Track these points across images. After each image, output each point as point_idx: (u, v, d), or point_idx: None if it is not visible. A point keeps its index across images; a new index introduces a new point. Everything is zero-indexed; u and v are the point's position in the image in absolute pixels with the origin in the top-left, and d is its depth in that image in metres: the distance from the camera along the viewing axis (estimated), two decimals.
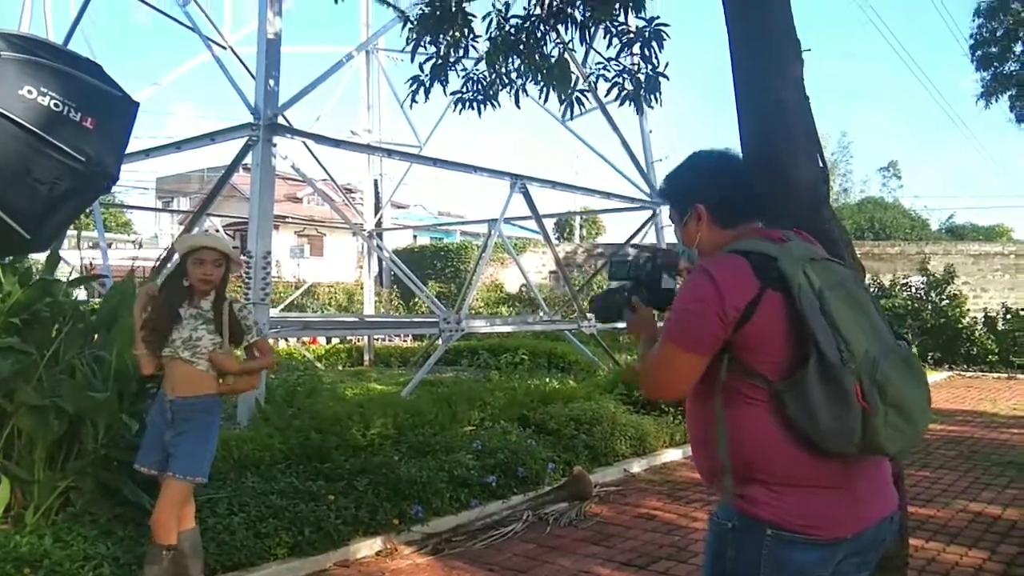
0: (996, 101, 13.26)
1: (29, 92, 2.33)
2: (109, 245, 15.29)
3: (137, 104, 2.73)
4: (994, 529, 5.11)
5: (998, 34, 12.91)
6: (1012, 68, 13.01)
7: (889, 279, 18.26)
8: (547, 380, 8.42)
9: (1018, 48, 12.99)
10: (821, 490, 1.72)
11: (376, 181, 16.40)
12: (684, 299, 1.82)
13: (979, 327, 16.74)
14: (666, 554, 4.57)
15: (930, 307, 16.99)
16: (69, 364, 4.23)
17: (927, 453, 7.68)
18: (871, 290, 18.19)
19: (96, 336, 4.57)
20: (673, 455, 7.23)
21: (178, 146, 8.49)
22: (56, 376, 4.11)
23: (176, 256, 3.56)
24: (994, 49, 12.92)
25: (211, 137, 7.93)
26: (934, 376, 15.30)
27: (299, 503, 4.44)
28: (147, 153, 8.69)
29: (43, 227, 2.46)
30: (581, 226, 38.21)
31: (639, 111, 6.62)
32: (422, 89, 5.56)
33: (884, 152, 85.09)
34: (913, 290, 17.50)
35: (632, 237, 14.07)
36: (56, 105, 2.38)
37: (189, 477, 3.30)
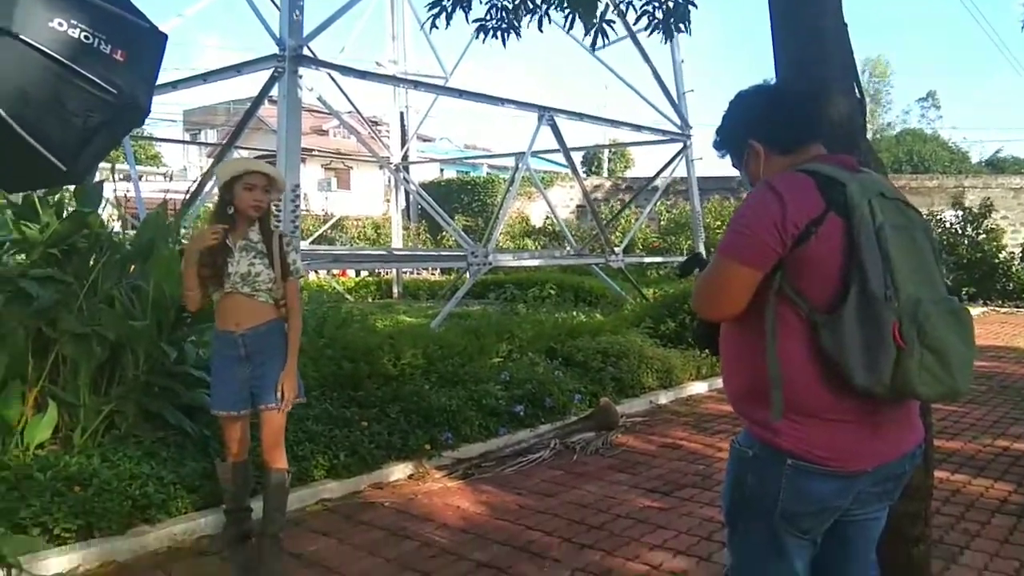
0: None
1: (60, 24, 2.34)
2: (140, 178, 15.43)
3: (165, 36, 2.71)
4: (1021, 463, 5.11)
5: None
6: None
7: (926, 213, 17.91)
8: (574, 314, 8.47)
9: None
10: (844, 424, 1.73)
11: (402, 113, 16.28)
12: (742, 212, 1.77)
13: (1017, 262, 16.41)
14: (691, 482, 4.66)
15: (966, 242, 16.67)
16: (108, 294, 4.35)
17: None
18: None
19: (132, 267, 4.67)
20: (699, 388, 7.30)
21: (204, 78, 8.48)
22: (96, 305, 4.23)
23: (213, 185, 3.56)
24: None
25: (237, 69, 7.91)
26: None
27: (334, 428, 4.58)
28: (174, 85, 8.69)
29: (78, 159, 2.49)
30: (609, 159, 37.73)
31: (669, 37, 6.43)
32: (444, 15, 5.44)
33: (926, 82, 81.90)
34: (948, 224, 17.15)
35: (663, 170, 13.89)
36: (87, 37, 2.38)
37: (298, 399, 3.36)
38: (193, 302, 3.32)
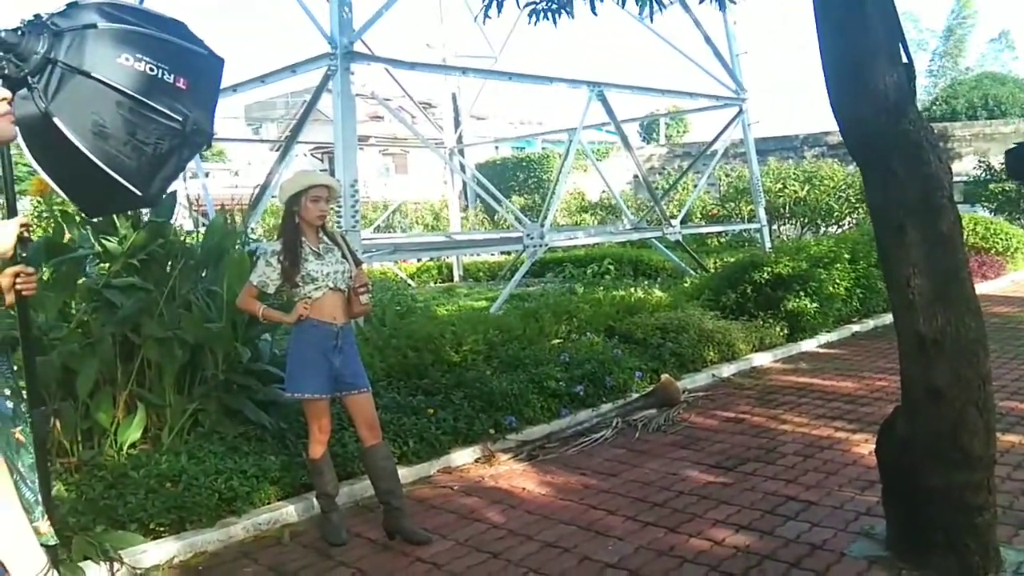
0: None
1: (126, 60, 2.52)
2: (207, 175, 15.98)
3: (222, 60, 2.88)
4: None
5: None
6: None
7: (1000, 161, 17.13)
8: (632, 290, 8.49)
9: None
10: None
11: (454, 95, 16.40)
12: None
13: None
14: (753, 456, 4.69)
15: None
16: (185, 299, 4.61)
17: None
18: (978, 176, 16.69)
19: (205, 271, 4.93)
20: (762, 359, 7.26)
21: (262, 80, 8.76)
22: (175, 310, 4.50)
23: (278, 194, 3.81)
24: None
25: (292, 69, 8.16)
26: None
27: (402, 417, 4.77)
28: (234, 89, 9.00)
29: (151, 184, 2.68)
30: (667, 125, 37.13)
31: (722, 7, 6.35)
32: (495, 3, 5.50)
33: (1004, 17, 76.76)
34: None
35: (718, 136, 13.67)
36: (151, 69, 2.56)
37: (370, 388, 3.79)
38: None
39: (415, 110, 17.56)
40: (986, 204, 17.08)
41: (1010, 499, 3.77)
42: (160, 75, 2.57)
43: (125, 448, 4.18)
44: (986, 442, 3.08)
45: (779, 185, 16.77)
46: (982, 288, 10.93)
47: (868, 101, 3.20)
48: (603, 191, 22.02)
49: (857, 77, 3.26)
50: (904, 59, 3.31)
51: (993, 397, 3.13)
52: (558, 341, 6.48)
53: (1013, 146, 1.66)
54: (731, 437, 5.10)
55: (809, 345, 7.87)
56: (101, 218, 4.42)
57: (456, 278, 15.58)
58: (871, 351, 7.62)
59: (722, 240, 16.66)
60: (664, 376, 5.95)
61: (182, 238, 4.99)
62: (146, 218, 4.70)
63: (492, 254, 17.29)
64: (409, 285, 13.23)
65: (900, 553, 3.25)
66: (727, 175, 19.70)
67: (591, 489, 4.29)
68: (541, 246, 9.54)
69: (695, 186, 15.59)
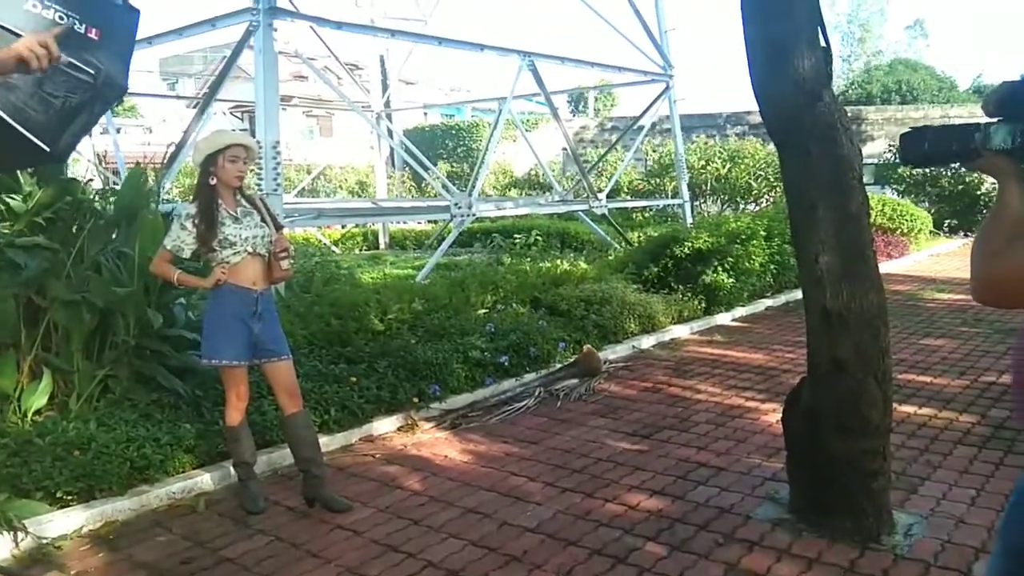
0: None
1: (33, 6, 2.36)
2: (118, 130, 15.25)
3: (138, 12, 2.72)
4: (987, 395, 5.32)
5: None
6: None
7: None
8: (559, 262, 8.58)
9: None
10: None
11: (382, 58, 16.08)
12: None
13: None
14: (669, 424, 4.85)
15: (948, 173, 16.77)
16: (94, 260, 4.42)
17: (931, 323, 7.87)
18: (888, 159, 17.45)
19: (116, 232, 4.73)
20: (681, 331, 7.47)
21: (179, 33, 8.38)
22: (83, 272, 4.31)
23: (192, 155, 3.66)
24: None
25: (212, 23, 7.83)
26: (948, 244, 15.34)
27: (324, 385, 4.71)
28: (149, 41, 8.56)
29: (60, 140, 2.53)
30: (596, 98, 37.40)
31: None
32: None
33: (915, 7, 79.92)
34: None
35: (645, 112, 13.84)
36: (61, 17, 2.41)
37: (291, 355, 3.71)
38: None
39: (341, 71, 17.12)
40: (895, 186, 17.91)
41: (903, 465, 4.02)
42: (70, 24, 2.42)
43: (30, 415, 4.00)
44: (883, 412, 3.27)
45: (703, 162, 17.14)
46: (886, 267, 11.50)
47: (788, 83, 3.30)
48: (530, 167, 22.07)
49: (778, 60, 3.35)
50: (823, 43, 3.43)
51: (892, 370, 3.32)
52: (484, 311, 6.51)
53: (906, 131, 1.64)
54: (648, 406, 5.25)
55: (725, 318, 8.14)
56: (4, 174, 4.17)
57: (382, 245, 15.39)
58: (782, 324, 7.94)
59: (647, 215, 16.96)
60: (586, 347, 6.07)
61: (91, 196, 4.76)
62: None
63: (419, 222, 17.14)
64: (333, 251, 13.02)
65: (802, 516, 3.44)
66: (654, 150, 20.01)
67: (512, 457, 4.36)
68: (469, 216, 9.51)
69: (622, 160, 15.79)
